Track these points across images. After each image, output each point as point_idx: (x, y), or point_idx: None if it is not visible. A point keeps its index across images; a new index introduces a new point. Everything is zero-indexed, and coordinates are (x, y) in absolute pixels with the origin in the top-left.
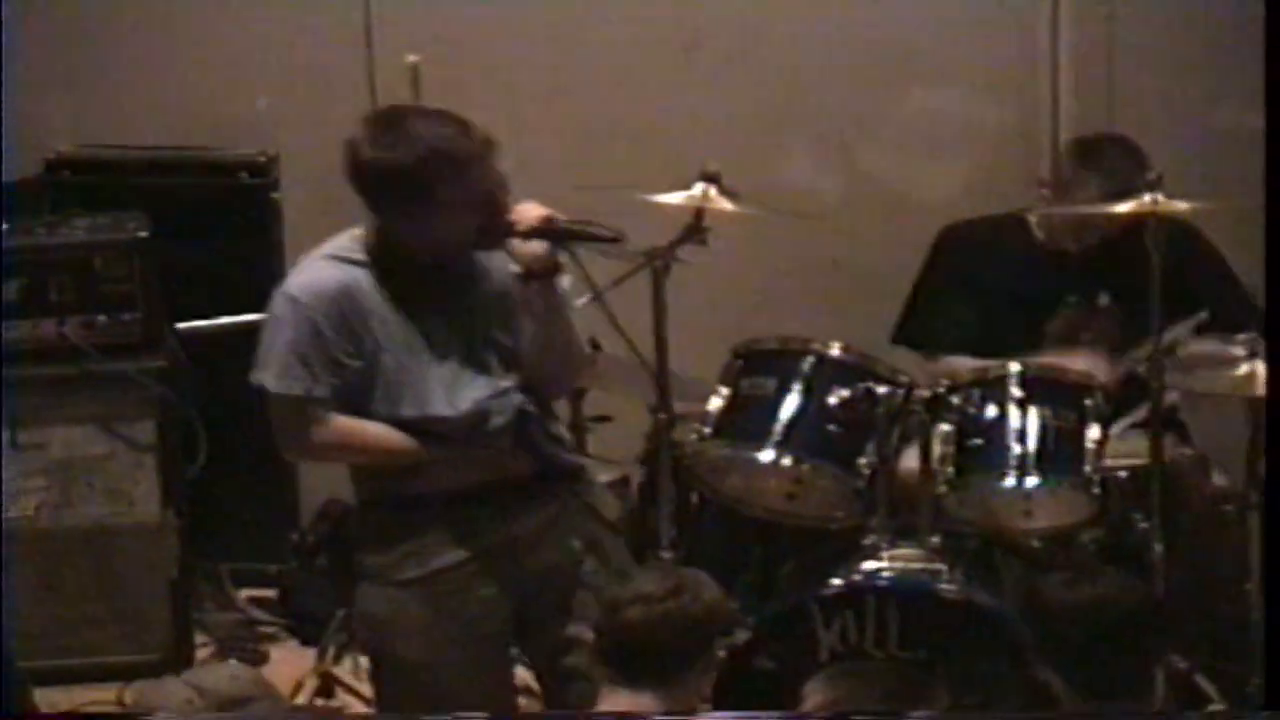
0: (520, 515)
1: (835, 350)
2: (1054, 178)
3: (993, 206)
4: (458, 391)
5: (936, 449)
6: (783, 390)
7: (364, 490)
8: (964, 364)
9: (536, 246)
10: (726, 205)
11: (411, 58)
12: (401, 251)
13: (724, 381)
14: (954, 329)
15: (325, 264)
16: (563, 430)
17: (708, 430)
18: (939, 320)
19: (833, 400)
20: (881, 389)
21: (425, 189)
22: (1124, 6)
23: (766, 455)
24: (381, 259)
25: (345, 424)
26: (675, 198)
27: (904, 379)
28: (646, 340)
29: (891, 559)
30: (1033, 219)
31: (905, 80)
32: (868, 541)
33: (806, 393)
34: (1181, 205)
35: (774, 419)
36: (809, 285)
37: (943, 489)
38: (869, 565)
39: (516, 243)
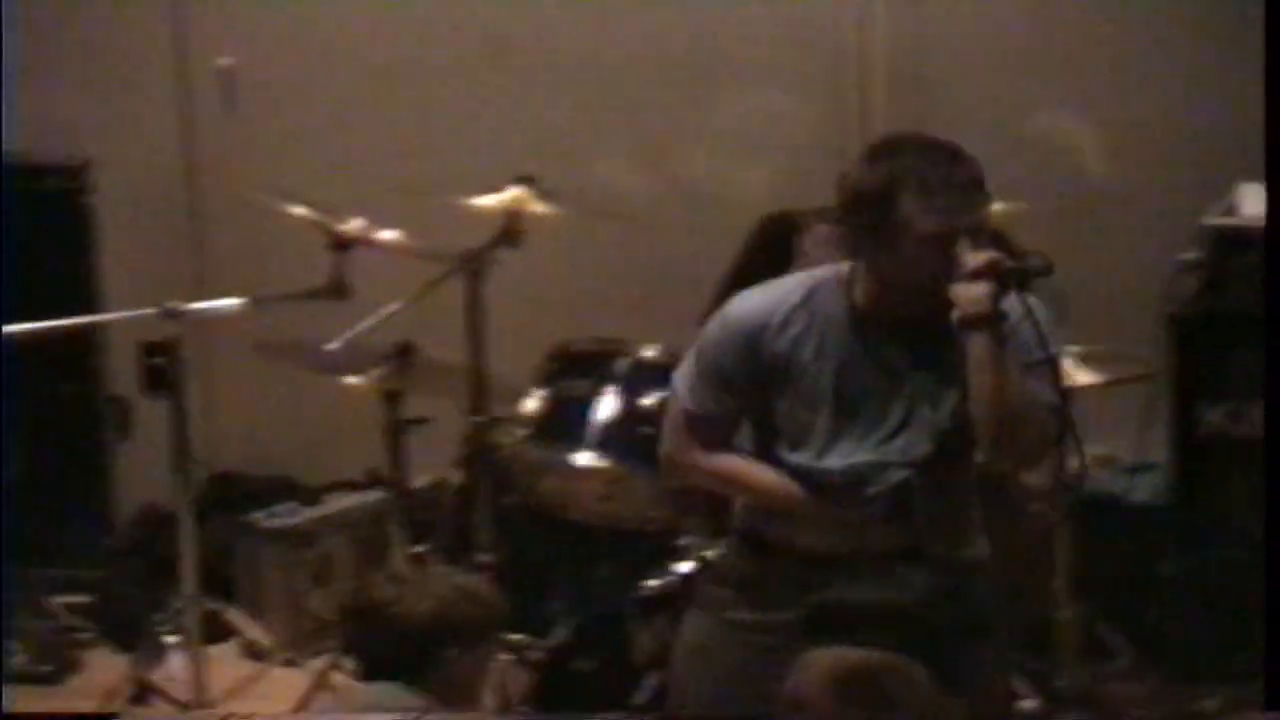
0: (867, 588)
1: (650, 352)
2: None
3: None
4: (839, 449)
5: None
6: (598, 392)
7: (740, 519)
8: None
9: (979, 289)
10: (541, 208)
11: (224, 60)
12: (866, 289)
13: (540, 383)
14: None
15: (763, 292)
16: (972, 520)
17: (524, 433)
18: None
19: (647, 402)
20: None
21: (887, 210)
22: (935, 6)
23: (582, 457)
24: (843, 295)
25: (726, 456)
26: (490, 200)
27: None
28: (464, 343)
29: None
30: None
31: (715, 83)
32: (683, 542)
33: (621, 395)
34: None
35: (589, 421)
36: (624, 287)
37: None
38: (684, 566)
39: (959, 287)
